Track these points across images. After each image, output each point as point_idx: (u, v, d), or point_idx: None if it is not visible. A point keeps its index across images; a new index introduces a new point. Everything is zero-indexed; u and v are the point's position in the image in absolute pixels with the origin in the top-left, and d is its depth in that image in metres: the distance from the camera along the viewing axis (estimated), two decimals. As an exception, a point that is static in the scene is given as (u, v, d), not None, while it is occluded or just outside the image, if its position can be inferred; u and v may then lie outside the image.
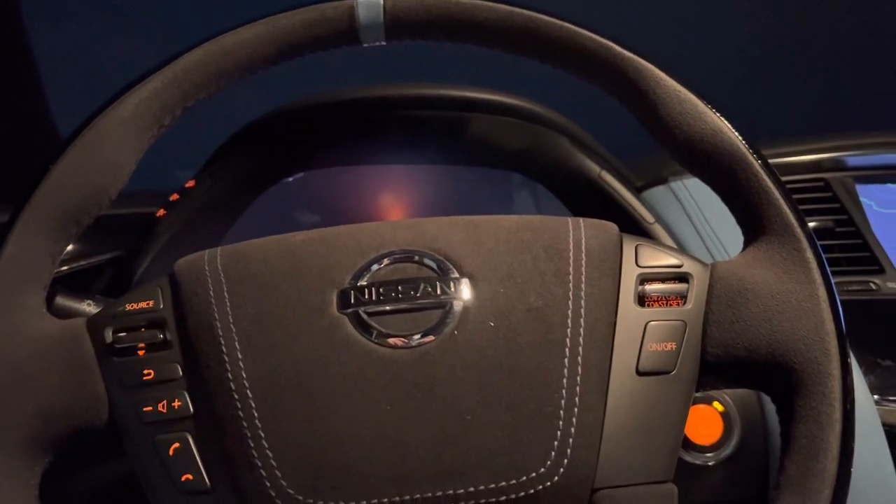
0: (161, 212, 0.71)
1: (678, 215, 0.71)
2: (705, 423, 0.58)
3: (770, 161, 0.76)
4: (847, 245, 0.69)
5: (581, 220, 0.42)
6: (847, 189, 0.72)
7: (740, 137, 0.43)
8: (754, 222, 0.43)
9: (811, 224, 0.70)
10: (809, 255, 0.41)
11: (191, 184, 0.72)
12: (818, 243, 0.42)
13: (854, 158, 0.75)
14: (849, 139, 0.77)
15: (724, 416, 0.58)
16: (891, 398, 0.56)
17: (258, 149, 0.73)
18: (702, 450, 0.58)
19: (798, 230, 0.42)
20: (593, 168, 0.72)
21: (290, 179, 0.77)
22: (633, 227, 0.70)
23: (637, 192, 0.74)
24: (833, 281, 0.41)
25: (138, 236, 0.70)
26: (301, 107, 0.74)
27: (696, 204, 0.71)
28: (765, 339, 0.40)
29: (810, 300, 0.40)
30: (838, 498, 0.37)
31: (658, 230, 0.69)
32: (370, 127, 0.75)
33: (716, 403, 0.58)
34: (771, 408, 0.44)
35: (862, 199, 0.73)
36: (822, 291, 0.40)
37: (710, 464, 0.57)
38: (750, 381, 0.42)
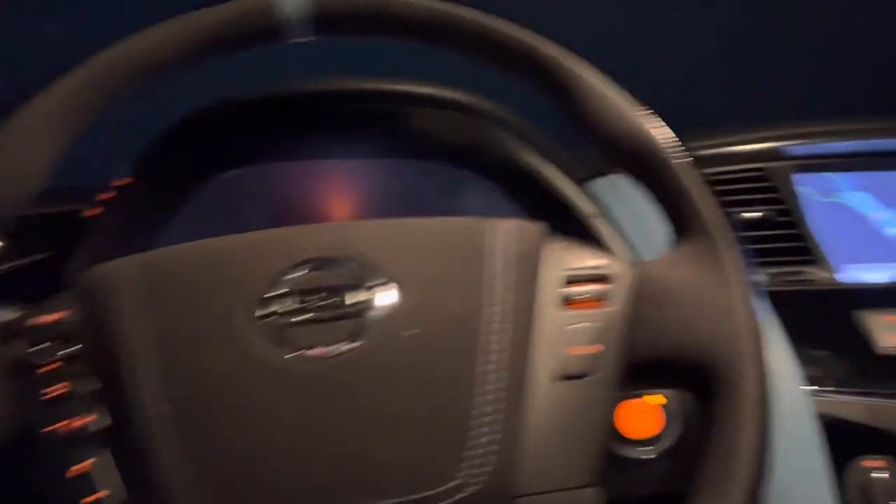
0: (92, 211, 0.69)
1: (619, 207, 0.71)
2: (644, 416, 0.58)
3: (709, 151, 0.76)
4: (783, 235, 0.69)
5: (503, 221, 0.42)
6: (784, 179, 0.73)
7: (662, 137, 0.43)
8: (676, 222, 0.43)
9: (750, 214, 0.71)
10: (725, 255, 0.41)
11: (122, 181, 0.69)
12: (736, 243, 0.42)
13: (792, 148, 0.76)
14: (787, 129, 0.77)
15: (664, 408, 0.58)
16: (826, 389, 0.57)
17: (192, 145, 0.72)
18: (641, 444, 0.58)
19: (714, 231, 0.42)
20: (535, 161, 0.71)
21: (230, 175, 0.75)
22: (574, 220, 0.70)
23: (581, 183, 0.74)
24: (750, 281, 0.41)
25: (69, 236, 0.68)
26: (238, 101, 0.73)
27: (636, 195, 0.71)
28: (685, 341, 0.40)
29: (726, 301, 0.40)
30: (751, 501, 0.37)
31: (599, 223, 0.69)
32: (311, 122, 0.74)
33: (656, 396, 0.58)
34: None
35: (799, 188, 0.74)
36: (737, 292, 0.40)
37: (650, 457, 0.58)
38: (675, 382, 0.42)
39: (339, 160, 0.78)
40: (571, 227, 0.71)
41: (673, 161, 0.43)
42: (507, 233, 0.41)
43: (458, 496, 0.36)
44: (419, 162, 0.75)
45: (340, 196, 0.77)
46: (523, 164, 0.71)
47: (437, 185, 0.79)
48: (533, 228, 0.42)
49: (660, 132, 0.44)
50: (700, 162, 0.74)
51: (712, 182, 0.73)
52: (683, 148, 0.44)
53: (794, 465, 0.53)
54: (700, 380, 0.40)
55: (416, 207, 0.74)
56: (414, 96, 0.72)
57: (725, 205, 0.71)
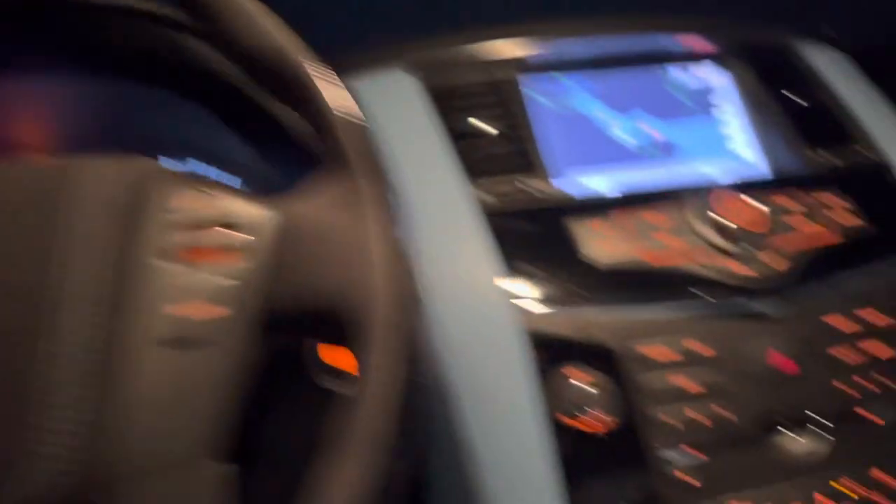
0: None
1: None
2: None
3: (435, 56, 0.71)
4: (505, 145, 0.66)
5: (95, 160, 0.35)
6: (511, 83, 0.70)
7: (308, 62, 0.39)
8: (321, 153, 0.39)
9: (473, 121, 0.67)
10: (365, 190, 0.37)
11: None
12: (380, 177, 0.38)
13: (519, 50, 0.73)
14: (512, 30, 0.74)
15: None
16: (535, 303, 0.56)
17: None
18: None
19: (355, 163, 0.38)
20: (241, 76, 0.64)
21: None
22: (291, 140, 0.64)
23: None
24: (390, 219, 0.38)
25: None
26: None
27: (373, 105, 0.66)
28: (324, 288, 0.36)
29: (360, 243, 0.37)
30: (374, 455, 0.34)
31: (313, 143, 0.64)
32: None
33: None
34: None
35: (526, 91, 0.71)
36: (373, 233, 0.37)
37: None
38: (321, 333, 0.39)
39: (13, 76, 0.66)
40: (289, 148, 0.65)
41: (316, 88, 0.38)
42: (96, 174, 0.35)
43: (45, 493, 0.31)
44: (106, 78, 0.65)
45: (11, 119, 0.66)
46: (227, 78, 0.64)
47: (134, 106, 0.69)
48: (137, 166, 0.36)
49: (307, 57, 0.39)
50: (425, 68, 0.70)
51: (439, 89, 0.70)
52: (331, 73, 0.39)
53: (499, 383, 0.52)
54: (337, 327, 0.36)
55: (103, 133, 0.65)
56: (98, 5, 0.62)
57: (450, 111, 0.68)
